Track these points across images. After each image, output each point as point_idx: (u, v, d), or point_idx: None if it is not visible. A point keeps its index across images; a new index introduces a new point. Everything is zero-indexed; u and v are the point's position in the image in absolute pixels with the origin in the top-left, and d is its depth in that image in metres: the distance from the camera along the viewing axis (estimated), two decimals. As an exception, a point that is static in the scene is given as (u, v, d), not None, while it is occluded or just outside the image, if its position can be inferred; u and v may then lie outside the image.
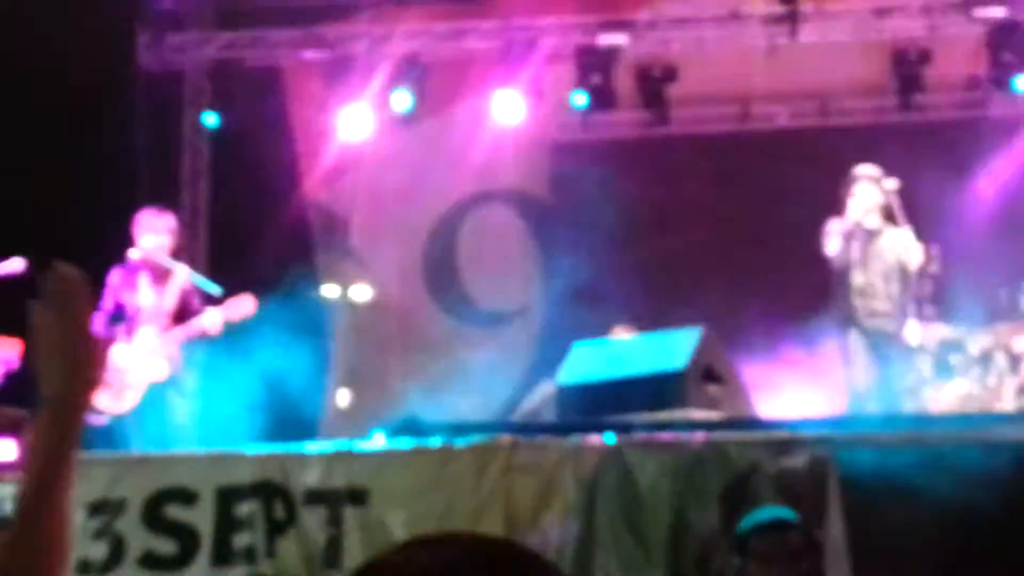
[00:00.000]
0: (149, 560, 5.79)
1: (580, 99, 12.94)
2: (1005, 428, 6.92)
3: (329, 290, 11.77)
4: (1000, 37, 12.54)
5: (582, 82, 12.87)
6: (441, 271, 13.49)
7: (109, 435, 8.56)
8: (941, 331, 9.85)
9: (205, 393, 11.29)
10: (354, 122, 12.71)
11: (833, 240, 9.51)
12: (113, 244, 9.03)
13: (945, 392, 9.83)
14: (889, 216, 9.57)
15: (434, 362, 12.60)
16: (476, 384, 11.83)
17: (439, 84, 13.18)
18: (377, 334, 12.62)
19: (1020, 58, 12.46)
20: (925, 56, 12.76)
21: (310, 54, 13.04)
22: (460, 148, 13.27)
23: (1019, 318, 10.23)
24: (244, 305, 8.76)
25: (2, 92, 10.35)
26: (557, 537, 5.78)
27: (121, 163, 11.08)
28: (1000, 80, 12.67)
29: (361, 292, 11.64)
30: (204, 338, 9.06)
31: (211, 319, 8.73)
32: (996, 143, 12.83)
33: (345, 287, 11.42)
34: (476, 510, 5.79)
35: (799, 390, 10.08)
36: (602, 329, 10.34)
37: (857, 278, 9.45)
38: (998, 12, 12.43)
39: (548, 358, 11.03)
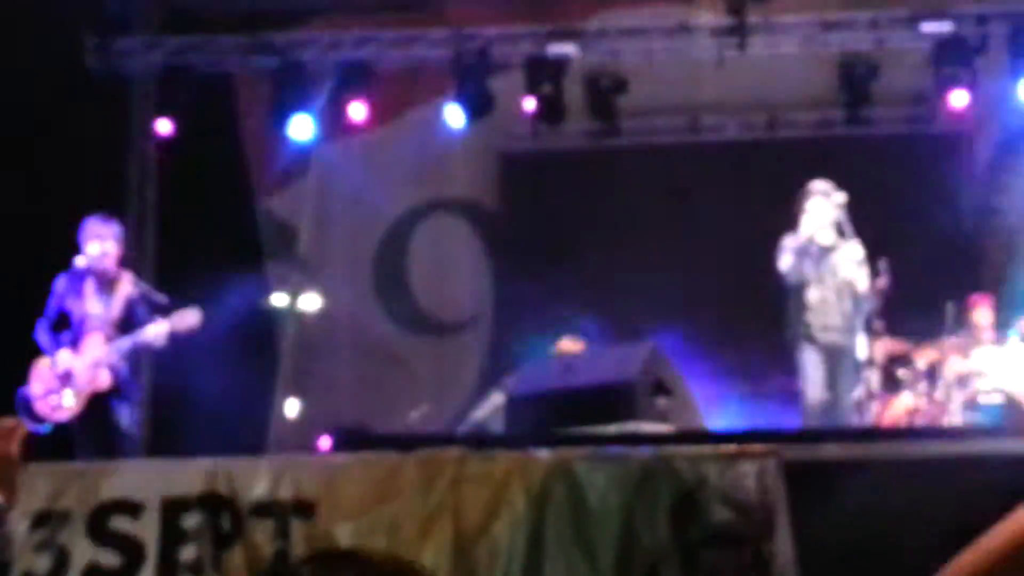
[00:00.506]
0: (94, 572, 5.74)
1: (529, 107, 12.93)
2: (951, 443, 6.97)
3: (278, 299, 11.72)
4: (945, 52, 12.65)
5: (532, 92, 12.87)
6: (391, 280, 13.47)
7: (52, 444, 8.51)
8: (889, 345, 9.91)
9: (151, 402, 11.26)
10: (303, 129, 12.67)
11: (786, 256, 9.54)
12: (59, 251, 8.95)
13: (893, 406, 9.90)
14: (840, 231, 9.62)
15: (383, 372, 12.59)
16: (425, 394, 11.84)
17: (389, 92, 13.15)
18: (326, 344, 12.58)
19: (965, 73, 12.57)
20: (873, 70, 12.85)
21: (260, 60, 12.99)
22: (410, 157, 13.27)
23: (965, 333, 10.32)
24: (189, 318, 8.71)
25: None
26: (506, 549, 5.76)
27: (67, 169, 10.98)
28: (945, 94, 12.78)
29: (310, 301, 11.60)
30: (149, 348, 9.01)
31: (156, 330, 8.66)
32: (942, 157, 12.95)
33: (294, 296, 11.38)
34: (425, 522, 5.76)
35: (746, 403, 10.13)
36: (551, 340, 10.35)
37: (812, 294, 9.48)
38: (944, 27, 12.54)
39: (498, 369, 11.07)
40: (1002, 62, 12.59)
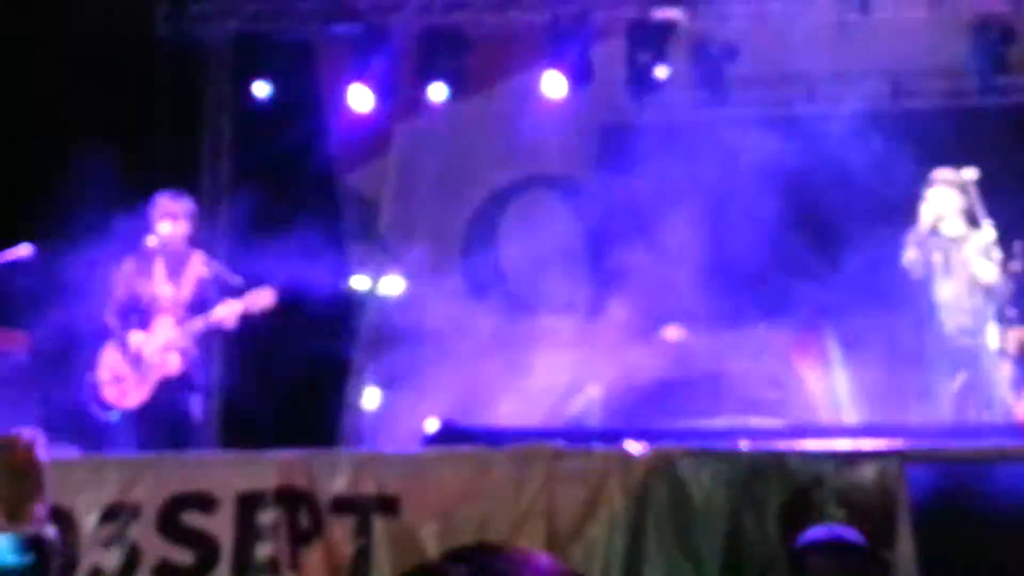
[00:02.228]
0: (165, 570, 5.82)
1: (637, 79, 12.91)
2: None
3: (358, 282, 11.78)
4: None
5: (636, 62, 12.86)
6: (481, 263, 13.49)
7: (120, 433, 8.60)
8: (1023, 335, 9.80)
9: (223, 390, 11.35)
10: (363, 101, 12.73)
11: (910, 250, 9.45)
12: (128, 229, 9.05)
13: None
14: (970, 218, 9.50)
15: (472, 362, 12.60)
16: (517, 386, 11.84)
17: (481, 61, 13.18)
18: (409, 330, 12.62)
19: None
20: (1008, 33, 12.70)
21: (341, 27, 13.06)
22: (503, 130, 13.27)
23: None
24: (263, 297, 8.76)
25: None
26: (603, 551, 5.79)
27: (136, 142, 11.09)
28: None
29: (393, 285, 11.64)
30: (221, 331, 9.06)
31: (228, 311, 8.72)
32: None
33: (375, 279, 11.43)
34: (516, 521, 5.78)
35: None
36: (653, 326, 10.34)
37: (942, 291, 9.38)
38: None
39: (596, 358, 11.05)
40: None
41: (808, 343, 10.09)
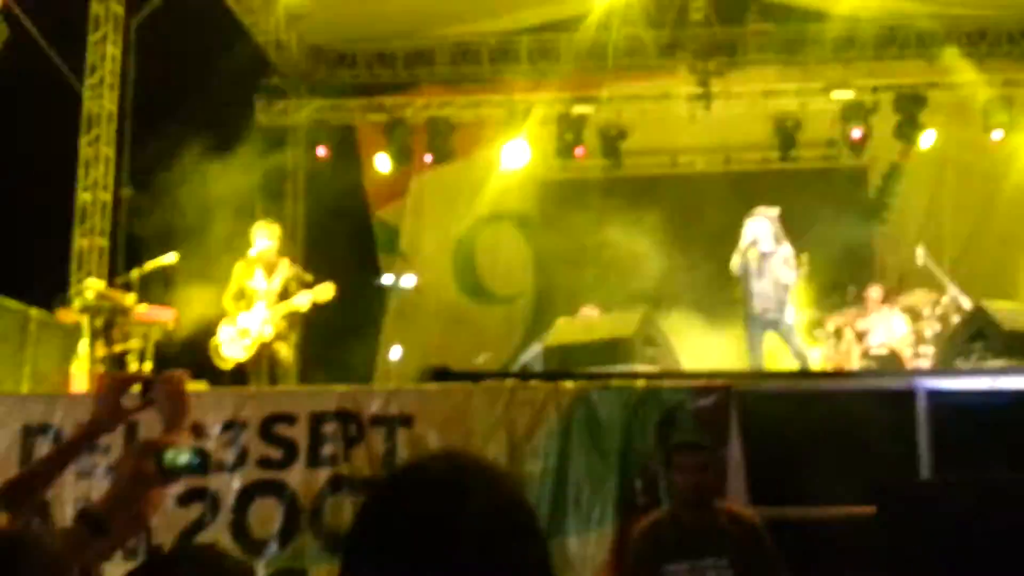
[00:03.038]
0: (264, 462, 5.77)
1: (562, 153, 12.93)
2: (849, 381, 6.94)
3: (386, 279, 11.76)
4: (849, 112, 12.57)
5: (563, 138, 12.87)
6: (465, 267, 13.55)
7: (236, 375, 8.57)
8: (808, 313, 9.86)
9: (302, 347, 11.31)
10: (384, 164, 12.80)
11: (735, 258, 9.49)
12: (239, 244, 9.01)
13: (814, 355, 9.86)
14: (777, 238, 9.54)
15: (458, 329, 12.62)
16: (488, 345, 11.85)
17: (462, 138, 13.21)
18: (419, 310, 12.62)
19: (860, 127, 12.49)
20: (798, 124, 12.80)
21: (373, 116, 13.05)
22: (477, 183, 13.31)
23: (860, 306, 10.26)
24: (327, 290, 8.69)
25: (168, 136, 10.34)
26: (543, 450, 5.74)
27: (244, 188, 11.06)
28: (850, 141, 12.70)
29: (408, 281, 11.62)
30: (299, 312, 8.99)
31: (303, 299, 8.66)
32: (847, 184, 12.87)
33: (398, 277, 11.41)
34: (488, 432, 5.75)
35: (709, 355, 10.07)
36: (574, 308, 10.35)
37: (754, 287, 9.40)
38: (848, 95, 12.45)
39: (537, 327, 11.07)
40: (889, 119, 12.52)
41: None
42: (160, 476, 2.04)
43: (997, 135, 12.41)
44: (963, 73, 12.47)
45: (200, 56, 10.86)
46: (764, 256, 9.40)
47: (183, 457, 2.07)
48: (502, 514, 1.44)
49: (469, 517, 1.41)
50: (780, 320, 9.37)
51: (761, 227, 9.44)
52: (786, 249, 9.49)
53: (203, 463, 2.12)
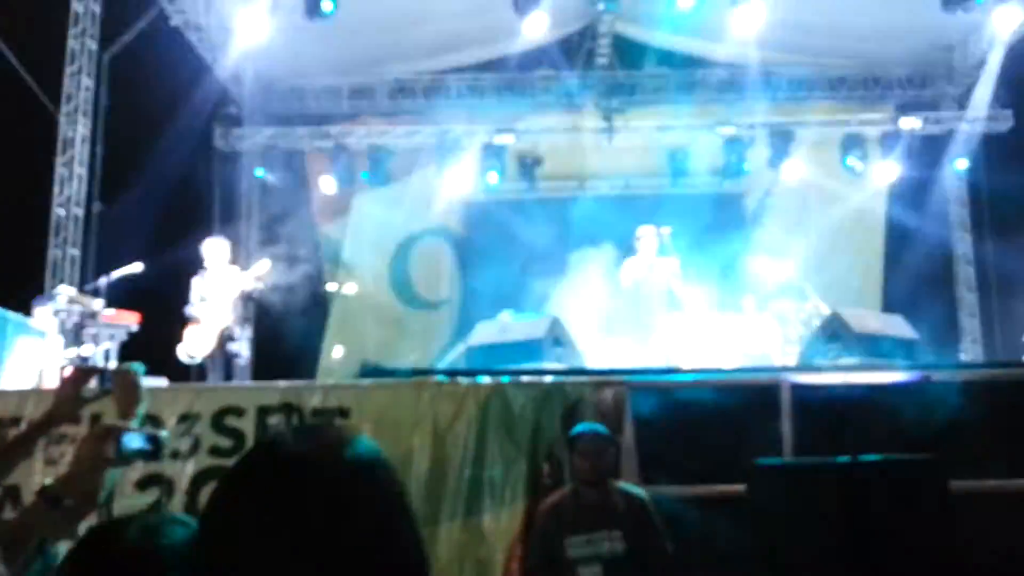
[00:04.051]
0: (215, 450, 5.65)
1: (485, 177, 12.92)
2: (726, 376, 7.00)
3: (330, 286, 11.64)
4: (731, 145, 12.76)
5: (485, 164, 12.86)
6: (400, 275, 13.43)
7: (198, 371, 8.41)
8: (692, 318, 9.87)
9: (254, 348, 11.13)
10: (330, 185, 12.67)
11: (625, 274, 9.55)
12: (195, 256, 8.83)
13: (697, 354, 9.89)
14: (664, 252, 9.62)
15: (393, 331, 12.52)
16: (418, 345, 11.79)
17: (399, 163, 13.13)
18: (359, 314, 12.51)
19: (739, 158, 12.64)
20: (687, 154, 12.96)
21: (320, 143, 12.91)
22: (412, 202, 13.23)
23: (737, 312, 10.35)
24: (263, 266, 8.54)
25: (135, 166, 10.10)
26: (463, 438, 5.70)
27: (201, 206, 10.87)
28: (731, 170, 12.89)
29: (350, 288, 11.52)
30: (252, 307, 8.80)
31: (248, 280, 8.45)
32: (727, 208, 13.01)
33: (340, 285, 11.31)
34: (415, 422, 5.68)
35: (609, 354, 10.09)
36: (494, 314, 10.31)
37: (645, 296, 9.45)
38: (731, 130, 12.64)
39: (462, 330, 11.03)
40: (763, 151, 12.74)
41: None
42: (117, 458, 2.00)
43: (852, 166, 12.73)
44: (825, 113, 12.76)
45: (165, 86, 10.67)
46: (652, 269, 9.49)
47: (137, 442, 2.04)
48: (350, 487, 1.32)
49: (315, 490, 1.30)
50: (664, 327, 9.43)
51: (650, 244, 9.52)
52: (673, 262, 9.58)
53: (156, 449, 2.09)
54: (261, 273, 8.52)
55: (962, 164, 12.96)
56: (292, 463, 1.33)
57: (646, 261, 9.48)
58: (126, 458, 2.02)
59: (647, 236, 9.60)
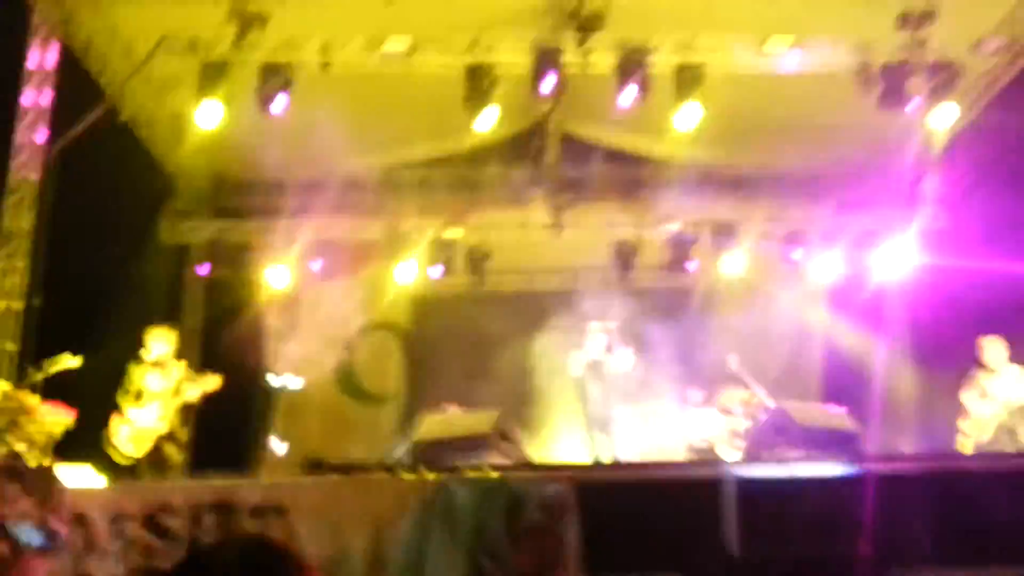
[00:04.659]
0: (146, 551, 5.46)
1: (434, 271, 13.01)
2: (672, 471, 7.03)
3: (274, 379, 11.52)
4: (676, 241, 13.03)
5: (434, 258, 12.95)
6: (346, 371, 13.34)
7: (131, 469, 8.22)
8: (637, 411, 9.95)
9: (195, 444, 10.91)
10: (287, 278, 12.69)
11: (575, 365, 9.61)
12: (138, 347, 8.73)
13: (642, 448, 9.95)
14: (612, 346, 9.70)
15: (338, 425, 12.37)
16: (363, 439, 11.65)
17: (349, 257, 13.17)
18: (304, 408, 12.35)
19: (684, 254, 12.94)
20: (634, 250, 13.18)
21: (268, 237, 12.94)
22: (360, 296, 13.24)
23: (683, 405, 10.43)
24: (213, 382, 8.50)
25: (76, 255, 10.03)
26: (406, 536, 5.65)
27: (146, 297, 10.77)
28: (676, 265, 13.12)
29: (295, 382, 11.41)
30: (191, 408, 8.75)
31: (193, 392, 8.43)
32: (677, 304, 13.22)
33: (285, 379, 11.21)
34: (355, 520, 5.63)
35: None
36: (440, 408, 10.27)
37: (593, 391, 9.49)
38: (674, 228, 12.93)
39: (407, 424, 10.94)
40: (708, 246, 13.02)
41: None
42: (14, 553, 1.97)
43: (793, 261, 13.06)
44: (767, 210, 13.11)
45: (112, 179, 10.67)
46: (600, 363, 9.57)
47: (32, 535, 2.02)
48: None
49: None
50: (610, 420, 9.46)
51: (598, 338, 9.62)
52: (622, 356, 9.67)
53: (51, 542, 2.06)
54: (210, 389, 8.43)
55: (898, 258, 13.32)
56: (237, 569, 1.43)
57: (595, 355, 9.55)
58: (25, 551, 2.00)
59: (598, 330, 9.69)
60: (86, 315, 9.88)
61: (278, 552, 1.46)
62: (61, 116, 10.73)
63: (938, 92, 10.52)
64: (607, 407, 9.39)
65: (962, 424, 9.28)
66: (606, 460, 8.94)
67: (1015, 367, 9.18)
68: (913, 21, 10.09)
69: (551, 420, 10.38)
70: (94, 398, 8.84)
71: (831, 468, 6.36)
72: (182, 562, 1.48)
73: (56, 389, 8.64)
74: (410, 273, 13.00)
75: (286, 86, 9.89)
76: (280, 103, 10.01)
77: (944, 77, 10.49)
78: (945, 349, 11.25)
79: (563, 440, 9.90)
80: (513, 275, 13.54)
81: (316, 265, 12.89)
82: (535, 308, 12.73)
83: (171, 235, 12.67)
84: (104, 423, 8.46)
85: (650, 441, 9.90)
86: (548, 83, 10.01)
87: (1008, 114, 11.09)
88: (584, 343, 9.63)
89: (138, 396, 8.45)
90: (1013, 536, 5.83)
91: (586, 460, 9.18)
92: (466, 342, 12.24)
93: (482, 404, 9.99)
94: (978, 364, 9.30)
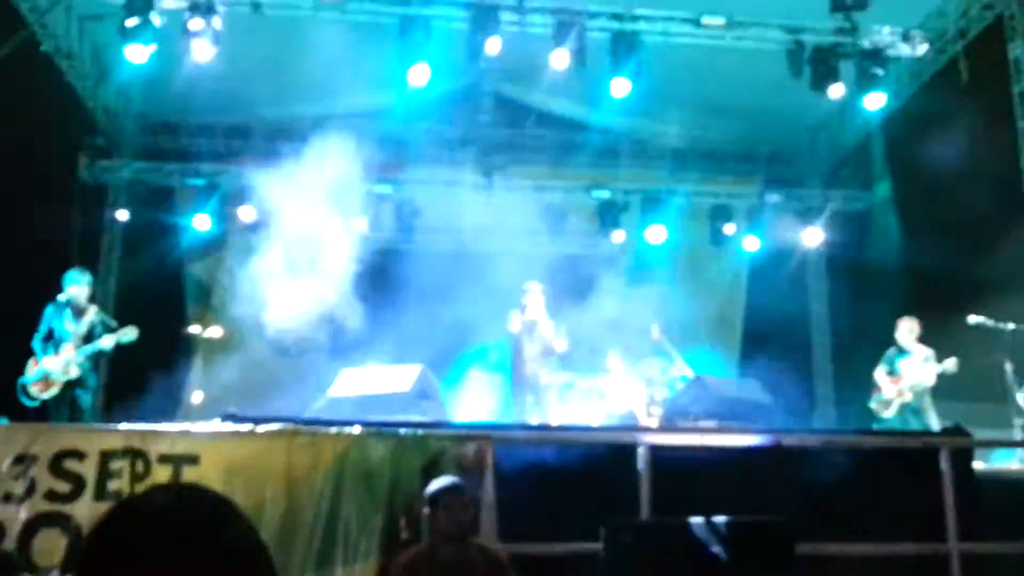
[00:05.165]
0: (51, 494, 5.35)
1: (362, 225, 12.84)
2: (587, 435, 7.09)
3: (193, 329, 11.27)
4: (604, 208, 13.08)
5: (364, 212, 12.78)
6: (269, 320, 13.10)
7: (40, 412, 8.00)
8: (563, 376, 10.02)
9: (105, 389, 10.67)
10: (204, 223, 12.37)
11: (514, 323, 9.55)
12: (52, 288, 8.45)
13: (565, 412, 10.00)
14: (550, 311, 9.70)
15: (258, 377, 12.17)
16: (283, 393, 11.48)
17: (274, 206, 12.90)
18: (222, 359, 12.11)
19: (614, 221, 13.01)
20: (564, 214, 13.20)
21: (190, 180, 12.60)
22: (284, 247, 12.98)
23: (605, 371, 10.52)
24: (130, 332, 8.28)
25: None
26: (319, 488, 5.58)
27: (63, 237, 10.42)
28: (604, 232, 13.18)
29: (214, 332, 11.17)
30: (104, 353, 8.54)
31: (107, 341, 8.22)
32: (603, 266, 13.25)
33: (204, 328, 10.96)
34: (267, 471, 5.54)
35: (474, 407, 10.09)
36: (362, 362, 10.19)
37: (528, 349, 9.46)
38: (605, 194, 12.97)
39: (327, 378, 10.82)
40: (636, 215, 13.10)
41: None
42: None
43: (718, 235, 13.22)
44: (695, 183, 13.24)
45: (30, 112, 10.24)
46: (535, 324, 9.55)
47: None
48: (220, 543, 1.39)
49: (184, 545, 1.36)
50: (541, 383, 9.49)
51: (536, 301, 9.60)
52: (550, 319, 9.68)
53: None
54: (127, 340, 8.21)
55: (819, 237, 13.60)
56: (165, 518, 1.41)
57: (532, 315, 9.51)
58: None
59: (534, 291, 9.65)
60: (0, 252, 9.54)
61: (214, 497, 1.41)
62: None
63: (867, 78, 10.70)
64: (540, 368, 9.37)
65: (872, 401, 9.54)
66: (532, 422, 8.96)
67: (925, 348, 9.46)
68: (847, 7, 10.23)
69: (477, 381, 10.36)
70: (3, 339, 8.56)
71: (744, 439, 6.48)
72: (112, 510, 1.43)
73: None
74: (337, 227, 12.78)
75: (213, 25, 9.57)
76: (206, 43, 9.70)
77: (874, 64, 10.67)
78: (863, 327, 11.56)
79: (487, 402, 9.88)
80: (442, 233, 13.44)
81: (240, 213, 12.58)
82: (462, 267, 12.66)
83: (90, 174, 12.24)
84: (14, 365, 8.19)
85: (572, 407, 9.95)
86: (489, 44, 9.89)
87: (932, 104, 11.35)
88: (521, 302, 9.58)
89: (49, 338, 8.18)
90: (912, 512, 6.03)
91: (508, 421, 9.19)
92: (392, 297, 12.12)
93: (404, 360, 9.94)
94: (893, 343, 9.56)
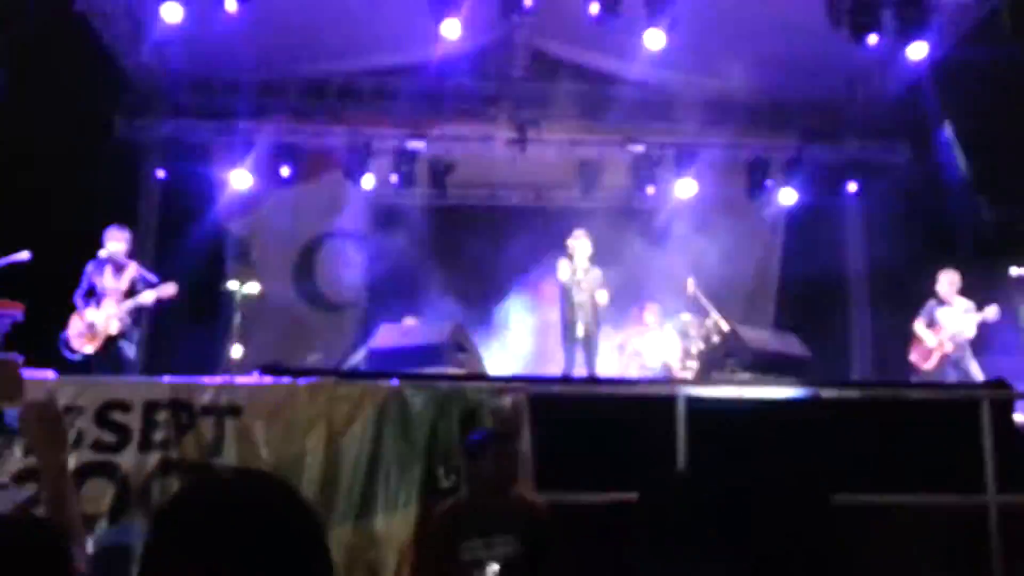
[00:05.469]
0: (98, 445, 5.47)
1: (394, 179, 12.86)
2: (625, 388, 7.09)
3: (232, 284, 11.37)
4: (639, 162, 12.97)
5: (396, 169, 12.79)
6: (304, 276, 13.24)
7: (83, 366, 8.14)
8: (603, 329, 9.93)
9: (147, 343, 10.81)
10: (242, 180, 12.45)
11: (562, 270, 9.41)
12: (92, 246, 8.55)
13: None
14: (593, 260, 9.59)
15: (296, 332, 12.30)
16: (321, 347, 11.61)
17: (310, 163, 12.97)
18: (260, 313, 12.22)
19: (652, 175, 12.90)
20: (598, 169, 13.10)
21: (226, 138, 12.64)
22: (319, 203, 13.08)
23: (640, 325, 10.50)
24: (170, 288, 8.39)
25: (27, 150, 9.70)
26: (359, 439, 5.65)
27: (101, 196, 10.50)
28: (639, 186, 13.08)
29: (252, 287, 11.24)
30: (145, 309, 8.65)
31: (149, 296, 8.33)
32: (639, 220, 13.21)
33: (242, 283, 11.06)
34: (309, 421, 5.62)
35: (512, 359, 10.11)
36: (399, 317, 10.25)
37: (577, 296, 9.34)
38: (640, 148, 12.85)
39: (365, 333, 10.91)
40: (671, 169, 12.97)
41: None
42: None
43: (754, 188, 13.07)
44: (731, 136, 13.06)
45: (67, 71, 10.29)
46: (586, 271, 9.41)
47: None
48: (283, 531, 1.41)
49: (253, 529, 1.39)
50: (594, 334, 9.37)
51: (582, 247, 9.46)
52: (598, 272, 9.52)
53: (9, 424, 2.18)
54: (165, 295, 8.30)
55: (852, 188, 13.41)
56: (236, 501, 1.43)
57: (579, 265, 9.40)
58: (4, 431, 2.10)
59: (580, 239, 9.51)
60: (38, 209, 9.63)
61: (286, 489, 1.43)
62: (10, 4, 10.27)
63: (908, 27, 10.45)
64: (588, 319, 9.26)
65: (911, 353, 9.45)
66: (584, 374, 8.86)
67: (965, 300, 9.33)
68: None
69: (517, 333, 10.39)
70: (47, 295, 8.68)
71: (780, 392, 6.45)
72: (178, 493, 1.48)
73: (7, 285, 8.46)
74: (371, 182, 12.81)
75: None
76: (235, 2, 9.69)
77: (914, 13, 10.41)
78: (900, 279, 11.42)
79: (529, 355, 9.90)
80: (475, 189, 13.40)
81: (276, 169, 12.62)
82: (496, 222, 12.64)
83: (126, 133, 12.31)
84: (57, 321, 8.32)
85: (608, 360, 9.94)
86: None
87: (976, 53, 11.07)
88: (569, 248, 9.44)
89: (90, 294, 8.30)
90: (951, 464, 5.99)
91: (557, 374, 9.11)
92: (426, 252, 12.15)
93: (441, 315, 9.99)
94: (933, 295, 9.44)
